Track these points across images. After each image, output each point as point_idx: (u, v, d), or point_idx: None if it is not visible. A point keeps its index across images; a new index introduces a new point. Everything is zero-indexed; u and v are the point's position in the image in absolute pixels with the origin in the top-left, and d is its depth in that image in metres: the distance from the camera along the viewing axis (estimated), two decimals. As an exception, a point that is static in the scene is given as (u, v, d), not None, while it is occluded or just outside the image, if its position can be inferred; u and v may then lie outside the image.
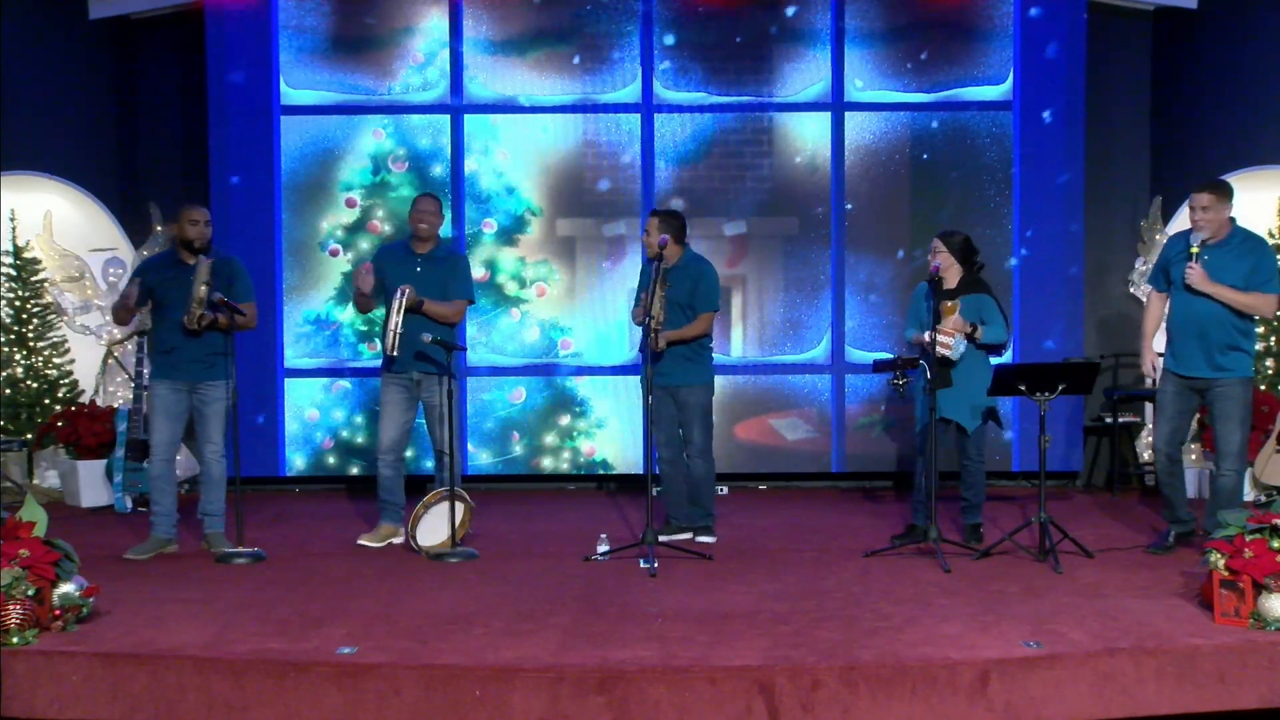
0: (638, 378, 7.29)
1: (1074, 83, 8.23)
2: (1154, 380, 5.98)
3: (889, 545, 6.07)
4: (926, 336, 6.00)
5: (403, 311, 5.95)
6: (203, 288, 5.82)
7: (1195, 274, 5.59)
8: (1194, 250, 5.62)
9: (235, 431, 6.00)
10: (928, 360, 5.93)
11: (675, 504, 6.43)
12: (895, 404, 8.15)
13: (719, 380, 6.88)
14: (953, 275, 6.15)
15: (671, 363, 6.24)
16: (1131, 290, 8.41)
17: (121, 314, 6.10)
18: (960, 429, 6.15)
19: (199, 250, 5.96)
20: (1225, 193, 5.66)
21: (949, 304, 6.03)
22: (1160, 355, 5.93)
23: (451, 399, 6.02)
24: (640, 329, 6.10)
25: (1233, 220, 5.71)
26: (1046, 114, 8.24)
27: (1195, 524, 5.96)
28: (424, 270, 6.23)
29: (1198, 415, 6.64)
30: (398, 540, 6.30)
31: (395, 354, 6.02)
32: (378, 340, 8.01)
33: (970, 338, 6.01)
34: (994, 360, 6.17)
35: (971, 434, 6.14)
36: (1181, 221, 7.28)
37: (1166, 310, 5.92)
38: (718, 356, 6.94)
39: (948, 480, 6.32)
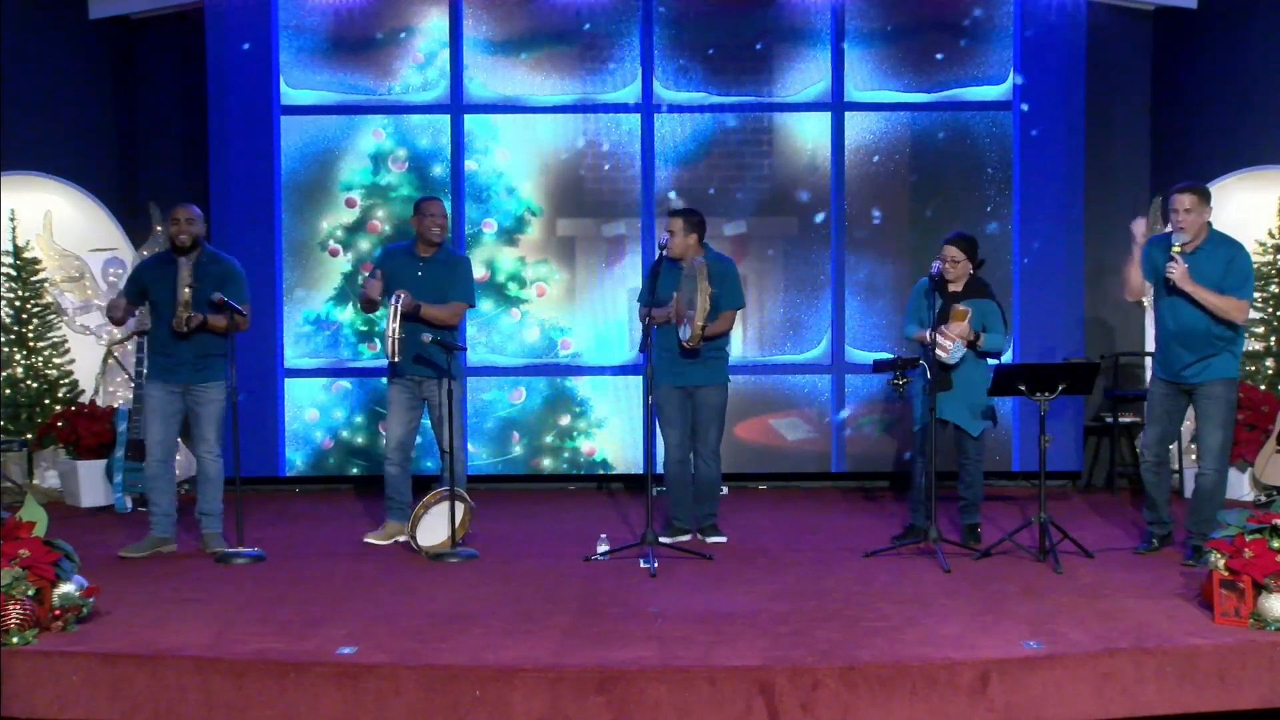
0: (639, 378, 7.28)
1: (1074, 82, 8.22)
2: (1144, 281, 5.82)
3: (889, 545, 6.07)
4: (927, 336, 5.99)
5: (399, 317, 5.94)
6: (186, 290, 5.81)
7: (1179, 270, 5.53)
8: (1176, 250, 5.56)
9: (235, 431, 5.99)
10: (928, 359, 5.92)
11: (678, 506, 6.39)
12: (895, 404, 8.14)
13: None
14: (961, 279, 6.15)
15: (692, 363, 6.20)
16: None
17: (115, 318, 6.12)
18: (959, 429, 6.14)
19: (187, 250, 5.95)
20: (1205, 196, 5.64)
21: (959, 308, 6.00)
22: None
23: (452, 399, 6.02)
24: (641, 327, 6.02)
25: (1209, 225, 5.66)
26: (1046, 114, 8.23)
27: (1174, 526, 5.95)
28: (425, 274, 6.22)
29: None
30: (403, 538, 6.30)
31: (397, 359, 6.01)
32: (379, 341, 8.03)
33: (971, 345, 6.00)
34: (992, 361, 6.16)
35: (977, 437, 6.13)
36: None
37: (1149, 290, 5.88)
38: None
39: (946, 480, 6.32)
